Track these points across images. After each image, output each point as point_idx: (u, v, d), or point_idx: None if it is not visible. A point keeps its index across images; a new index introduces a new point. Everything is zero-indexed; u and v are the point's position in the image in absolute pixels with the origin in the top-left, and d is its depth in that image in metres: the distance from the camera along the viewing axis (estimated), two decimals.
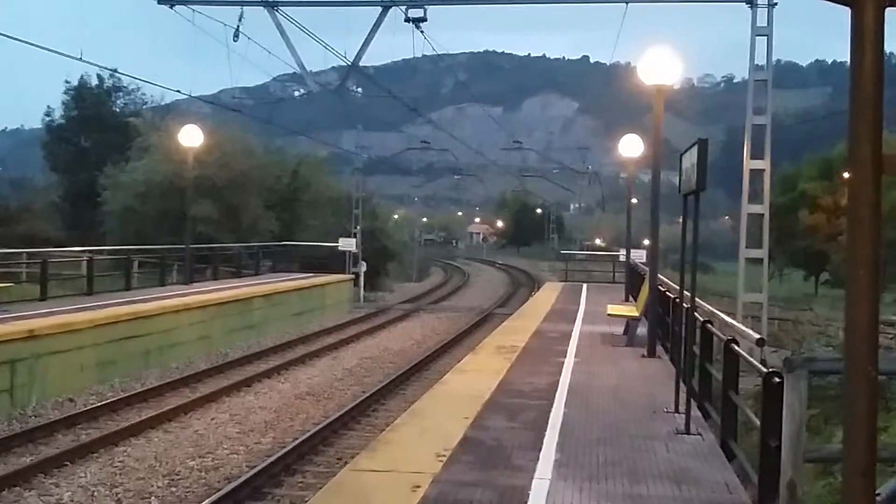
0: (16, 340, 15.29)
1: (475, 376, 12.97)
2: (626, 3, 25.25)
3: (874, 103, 2.75)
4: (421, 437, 9.09)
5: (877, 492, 3.38)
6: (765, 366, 7.69)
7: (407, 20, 26.03)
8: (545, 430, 9.58)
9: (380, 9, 26.57)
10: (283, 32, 27.10)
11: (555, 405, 10.95)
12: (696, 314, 10.60)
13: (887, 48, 3.02)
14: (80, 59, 22.83)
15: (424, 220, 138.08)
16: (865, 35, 2.75)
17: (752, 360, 8.46)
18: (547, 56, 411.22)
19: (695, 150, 9.22)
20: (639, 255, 31.02)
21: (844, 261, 2.89)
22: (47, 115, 49.35)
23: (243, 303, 25.46)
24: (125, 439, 13.57)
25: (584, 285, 35.54)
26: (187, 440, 13.81)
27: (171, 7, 26.59)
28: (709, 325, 10.68)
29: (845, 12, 2.81)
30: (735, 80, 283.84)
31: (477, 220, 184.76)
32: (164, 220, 37.96)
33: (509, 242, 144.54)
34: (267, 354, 22.88)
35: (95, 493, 11.06)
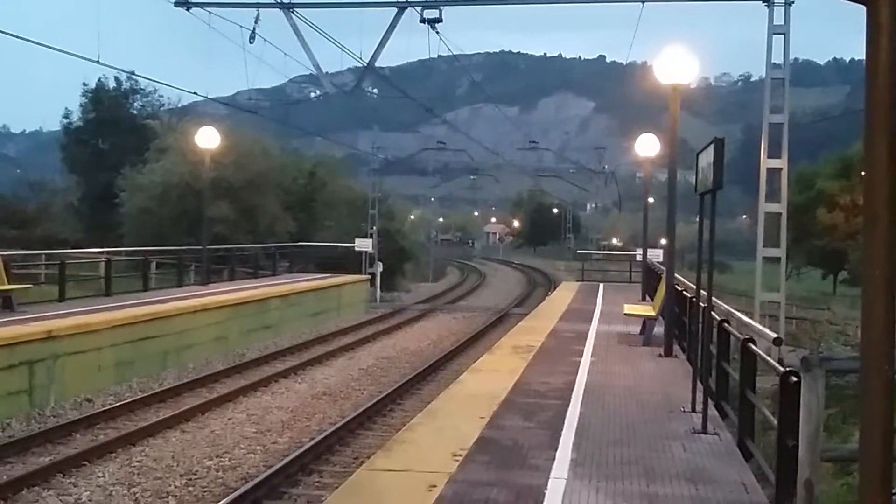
0: (34, 341, 15.38)
1: (491, 376, 12.97)
2: (643, 2, 25.14)
3: (890, 101, 2.73)
4: (437, 437, 9.10)
5: (893, 490, 3.37)
6: (782, 365, 7.67)
7: (422, 21, 26.00)
8: (561, 430, 9.57)
9: (395, 10, 26.55)
10: (298, 34, 27.12)
11: (571, 405, 10.95)
12: (712, 313, 10.57)
13: None
14: (98, 61, 22.94)
15: (441, 220, 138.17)
16: (881, 33, 2.74)
17: (769, 359, 8.44)
18: (563, 56, 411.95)
19: (711, 149, 9.21)
20: (655, 255, 30.94)
21: (861, 260, 2.88)
22: (65, 117, 49.76)
23: (260, 303, 25.53)
24: (143, 439, 13.62)
25: (601, 285, 35.47)
26: (204, 440, 13.86)
27: (187, 9, 26.66)
28: (726, 325, 10.65)
29: (862, 9, 2.80)
30: (752, 79, 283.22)
31: (493, 220, 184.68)
32: (181, 221, 38.12)
33: (525, 242, 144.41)
34: (284, 355, 22.92)
35: (113, 493, 11.11)
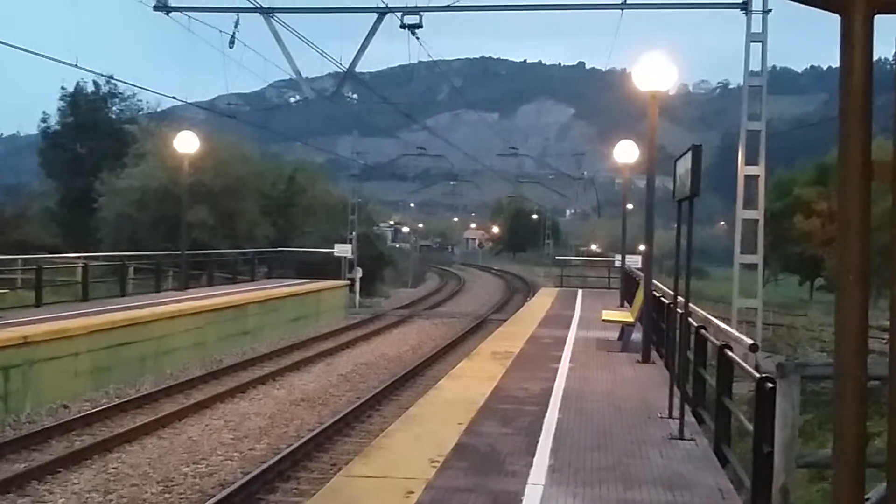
0: (10, 347, 15.26)
1: (470, 382, 12.97)
2: (622, 9, 25.30)
3: (863, 110, 2.75)
4: (415, 443, 9.09)
5: (866, 497, 3.39)
6: (759, 371, 7.70)
7: (402, 26, 26.03)
8: (539, 436, 9.58)
9: (375, 15, 26.57)
10: (278, 39, 27.10)
11: (549, 411, 10.95)
12: (690, 320, 10.60)
13: (879, 53, 3.03)
14: (76, 65, 22.85)
15: (420, 225, 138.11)
16: (855, 42, 2.76)
17: (745, 365, 8.47)
18: (543, 62, 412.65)
19: (689, 156, 9.25)
20: (634, 261, 31.03)
21: (836, 266, 2.90)
22: (43, 121, 49.45)
23: (238, 309, 25.44)
24: (119, 446, 13.55)
25: (580, 291, 35.55)
26: (181, 446, 13.80)
27: (166, 13, 26.59)
28: (703, 331, 10.69)
29: (837, 18, 2.82)
30: (730, 86, 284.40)
31: (473, 225, 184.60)
32: (159, 226, 37.92)
33: (505, 248, 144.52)
34: (262, 360, 22.85)
35: (89, 500, 11.04)
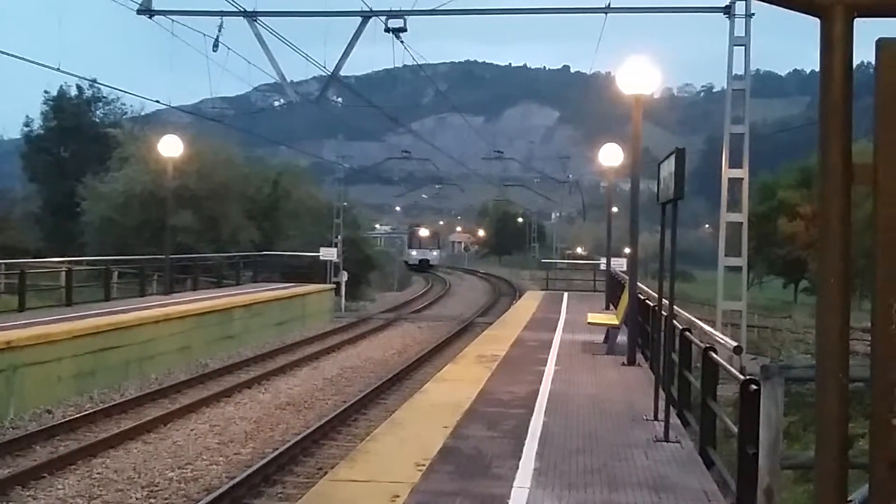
0: None
1: (455, 385, 12.97)
2: (606, 13, 25.37)
3: (844, 113, 2.76)
4: (400, 447, 9.09)
5: (849, 498, 3.40)
6: (744, 373, 7.73)
7: (387, 30, 26.07)
8: (525, 439, 9.59)
9: (360, 19, 26.58)
10: (262, 43, 27.09)
11: (534, 414, 10.97)
12: (674, 322, 10.64)
13: (860, 57, 3.04)
14: (59, 69, 22.75)
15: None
16: (835, 45, 2.77)
17: (729, 367, 8.51)
18: (528, 66, 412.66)
19: (673, 159, 9.28)
20: (619, 264, 31.08)
21: (816, 269, 2.91)
22: (26, 125, 49.15)
23: (223, 313, 25.36)
24: (104, 451, 13.48)
25: (565, 294, 35.60)
26: (166, 451, 13.74)
27: (150, 17, 26.53)
28: (687, 333, 10.72)
29: (817, 22, 2.83)
30: (714, 90, 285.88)
31: (458, 229, 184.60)
32: (143, 230, 37.78)
33: (491, 251, 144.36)
34: (247, 364, 22.79)
35: None
